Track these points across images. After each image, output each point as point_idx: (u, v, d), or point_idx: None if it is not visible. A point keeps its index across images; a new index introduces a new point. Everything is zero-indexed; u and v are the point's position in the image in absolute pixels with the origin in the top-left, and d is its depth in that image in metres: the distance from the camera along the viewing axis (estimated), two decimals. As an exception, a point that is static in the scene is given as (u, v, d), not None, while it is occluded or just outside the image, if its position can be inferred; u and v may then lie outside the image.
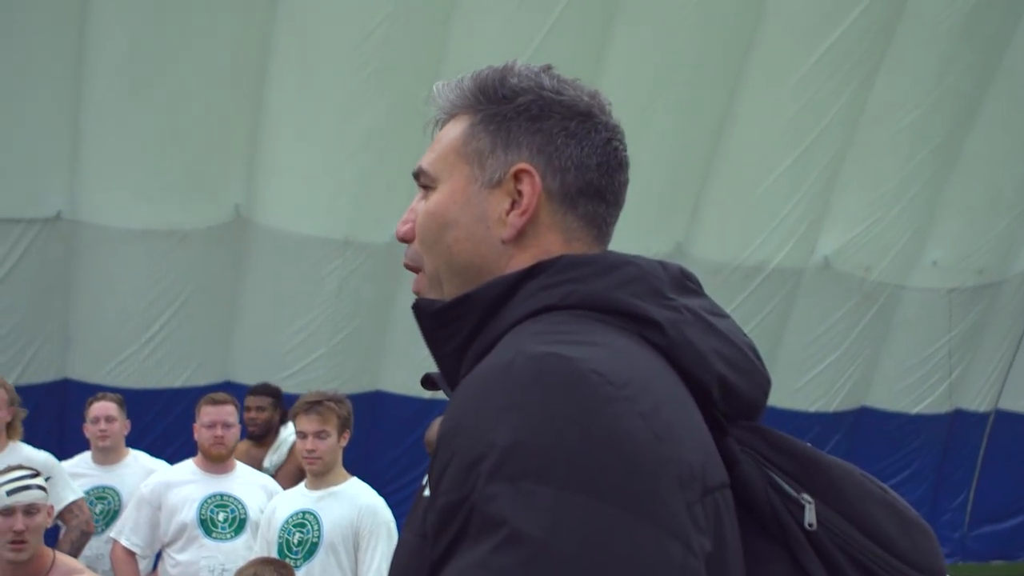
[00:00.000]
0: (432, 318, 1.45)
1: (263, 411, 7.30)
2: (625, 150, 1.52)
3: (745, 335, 1.49)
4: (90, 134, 8.20)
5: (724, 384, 1.40)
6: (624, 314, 1.37)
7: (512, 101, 1.47)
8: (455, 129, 1.51)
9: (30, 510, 4.54)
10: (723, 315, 1.48)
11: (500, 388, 1.26)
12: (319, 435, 5.22)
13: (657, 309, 1.38)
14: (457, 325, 1.43)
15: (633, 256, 1.45)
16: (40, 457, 5.83)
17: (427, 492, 1.34)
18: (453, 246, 1.47)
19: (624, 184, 1.52)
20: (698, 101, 9.24)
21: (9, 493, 4.56)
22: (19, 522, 4.49)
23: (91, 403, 6.47)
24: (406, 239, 1.54)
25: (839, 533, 1.38)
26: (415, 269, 1.53)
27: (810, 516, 1.37)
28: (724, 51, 9.24)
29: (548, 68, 1.51)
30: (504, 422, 1.23)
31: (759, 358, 1.48)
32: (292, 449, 7.51)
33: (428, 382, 1.57)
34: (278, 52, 8.38)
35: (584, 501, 1.19)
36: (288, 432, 7.51)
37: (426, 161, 1.53)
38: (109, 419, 6.35)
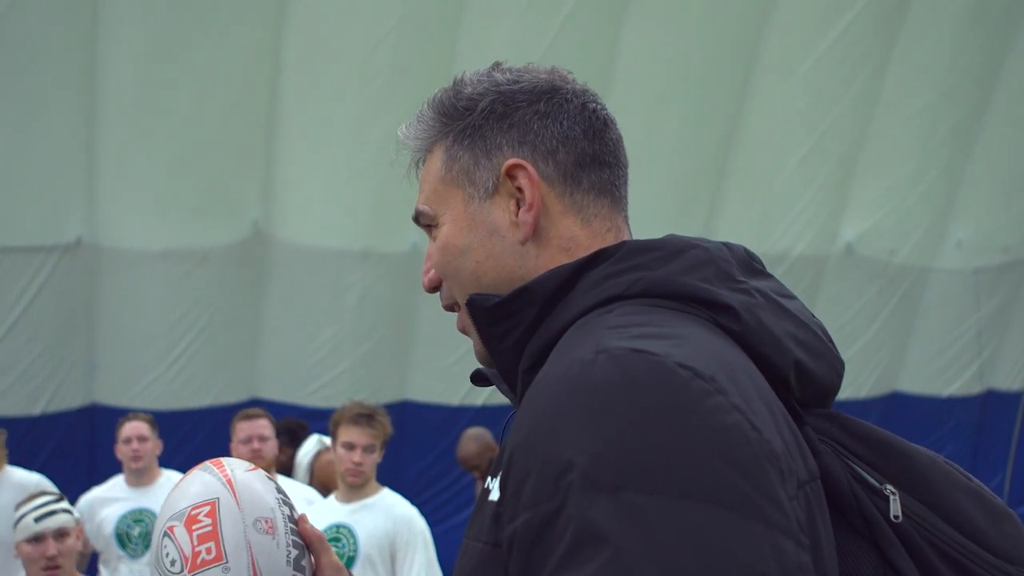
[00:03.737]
0: (488, 313, 1.39)
1: None
2: (604, 108, 1.46)
3: (814, 316, 1.43)
4: (105, 159, 8.21)
5: (799, 369, 1.34)
6: (695, 300, 1.32)
7: (474, 109, 1.43)
8: (435, 161, 1.47)
9: (60, 534, 4.50)
10: (792, 296, 1.42)
11: (583, 391, 1.19)
12: (368, 449, 5.16)
13: (729, 293, 1.33)
14: (515, 319, 1.37)
15: (698, 239, 1.39)
16: (33, 479, 5.84)
17: (492, 496, 1.27)
18: (476, 270, 1.42)
19: (618, 141, 1.46)
20: (711, 94, 9.20)
21: (37, 520, 4.52)
22: (51, 547, 4.46)
23: (122, 423, 6.45)
24: (433, 286, 1.49)
25: (926, 525, 1.32)
26: (453, 307, 1.48)
27: (895, 508, 1.31)
28: (734, 43, 9.19)
29: (498, 64, 1.47)
30: (592, 427, 1.16)
31: (831, 340, 1.42)
32: None
33: (479, 378, 1.50)
34: (288, 67, 8.38)
35: (689, 506, 1.13)
36: None
37: (420, 202, 1.48)
38: (141, 439, 6.32)
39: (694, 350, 1.23)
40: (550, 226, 1.41)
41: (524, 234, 1.41)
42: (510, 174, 1.41)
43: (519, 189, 1.41)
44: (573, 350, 1.26)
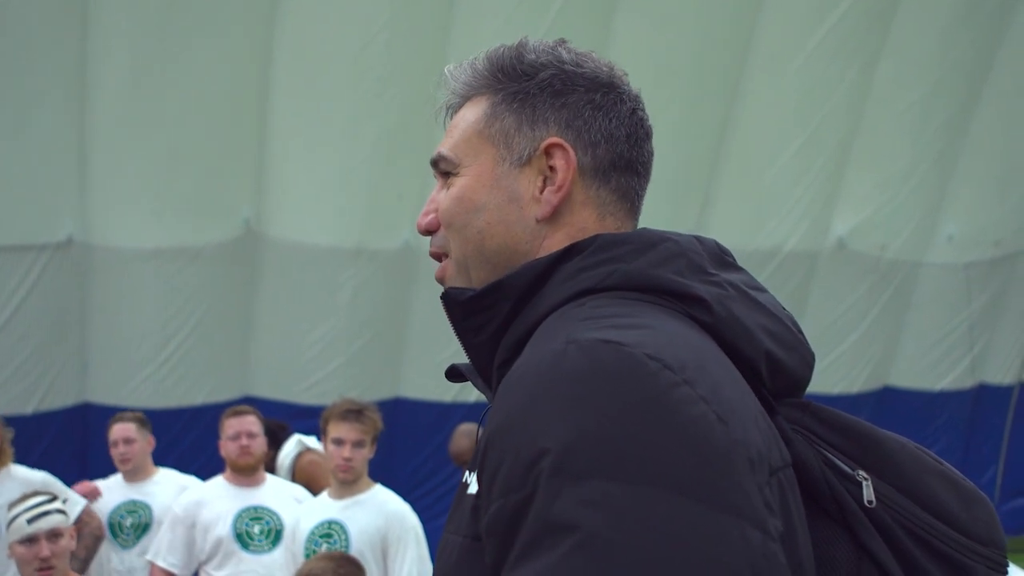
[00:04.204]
0: (462, 307, 1.39)
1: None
2: (648, 119, 1.48)
3: (785, 309, 1.45)
4: (96, 157, 8.20)
5: (771, 360, 1.36)
6: (668, 292, 1.33)
7: (533, 77, 1.43)
8: (474, 111, 1.46)
9: (53, 535, 4.50)
10: (762, 289, 1.43)
11: (553, 380, 1.20)
12: (357, 444, 5.17)
13: (701, 286, 1.34)
14: (489, 313, 1.37)
15: (669, 232, 1.40)
16: (38, 476, 5.85)
17: (471, 490, 1.28)
18: (485, 230, 1.42)
19: (651, 154, 1.47)
20: (703, 90, 9.20)
21: (30, 521, 4.51)
22: (44, 548, 4.45)
23: (111, 425, 6.46)
24: (430, 229, 1.48)
25: (898, 508, 1.33)
26: (441, 256, 1.48)
27: (868, 493, 1.33)
28: (726, 38, 9.20)
29: (563, 42, 1.47)
30: (562, 416, 1.17)
31: (801, 332, 1.44)
32: None
33: (454, 374, 1.50)
34: (280, 65, 8.37)
35: (658, 495, 1.14)
36: None
37: (445, 147, 1.47)
38: (128, 441, 6.33)
39: (665, 341, 1.24)
40: (567, 213, 1.42)
41: (543, 213, 1.41)
42: (548, 151, 1.41)
43: (552, 168, 1.41)
44: (545, 342, 1.26)
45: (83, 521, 5.81)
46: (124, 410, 7.02)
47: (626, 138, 1.43)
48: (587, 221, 1.41)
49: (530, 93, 1.43)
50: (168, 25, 8.06)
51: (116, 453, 6.34)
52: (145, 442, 6.41)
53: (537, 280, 1.36)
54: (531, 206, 1.41)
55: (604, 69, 1.45)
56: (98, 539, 5.91)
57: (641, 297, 1.32)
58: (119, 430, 6.37)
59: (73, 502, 5.81)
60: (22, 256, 8.17)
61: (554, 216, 1.41)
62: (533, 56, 1.44)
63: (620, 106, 1.44)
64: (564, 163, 1.41)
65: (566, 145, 1.41)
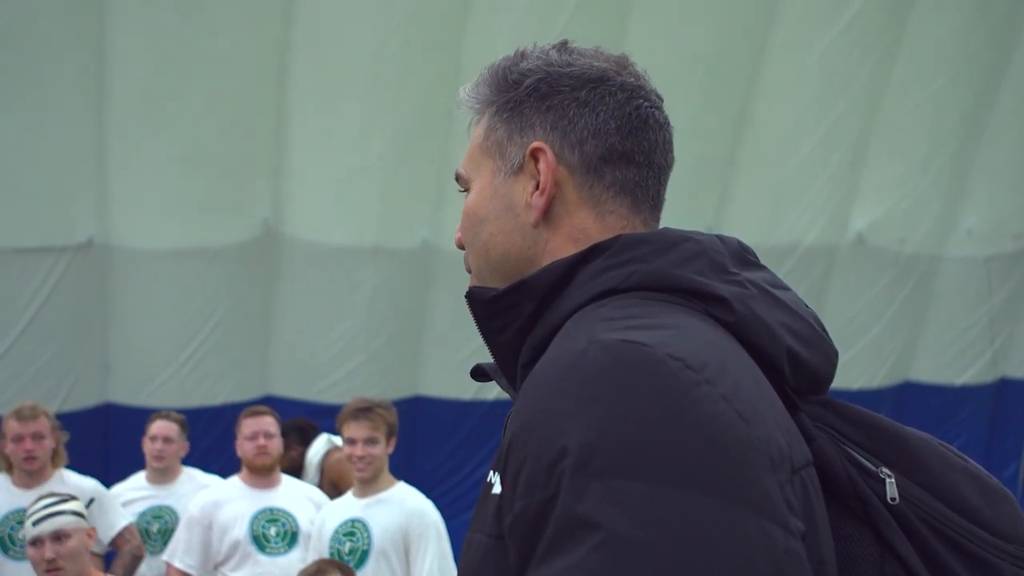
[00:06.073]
0: (486, 306, 1.41)
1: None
2: (652, 106, 1.46)
3: (808, 307, 1.45)
4: (115, 159, 8.23)
5: (793, 358, 1.36)
6: (689, 292, 1.33)
7: (521, 85, 1.44)
8: (480, 127, 1.49)
9: (59, 536, 4.50)
10: (785, 287, 1.44)
11: (575, 380, 1.21)
12: (369, 441, 5.20)
13: (722, 285, 1.34)
14: (513, 313, 1.38)
15: (691, 232, 1.40)
16: (88, 484, 5.83)
17: (495, 490, 1.29)
18: (488, 241, 1.45)
19: (659, 143, 1.45)
20: (720, 84, 9.18)
21: (35, 523, 4.52)
22: (48, 550, 4.45)
23: (153, 419, 6.48)
24: (460, 245, 1.51)
25: (922, 506, 1.33)
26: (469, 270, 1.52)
27: (891, 490, 1.32)
28: (743, 32, 9.17)
29: (563, 44, 1.47)
30: (583, 416, 1.18)
31: (824, 329, 1.44)
32: None
33: (479, 373, 1.52)
34: (297, 64, 8.39)
35: (679, 494, 1.15)
36: None
37: (461, 165, 1.51)
38: (167, 440, 6.37)
39: (685, 340, 1.24)
40: (563, 214, 1.42)
41: (534, 218, 1.42)
42: (534, 155, 1.43)
43: (539, 171, 1.43)
44: (567, 341, 1.28)
45: (124, 539, 5.82)
46: (146, 411, 7.04)
47: (616, 130, 1.42)
48: (585, 220, 1.42)
49: (518, 100, 1.44)
50: (184, 26, 8.08)
51: (153, 449, 6.35)
52: (180, 446, 6.45)
53: (560, 280, 1.37)
54: (526, 212, 1.43)
55: (597, 64, 1.45)
56: (137, 559, 5.87)
57: (663, 297, 1.32)
58: (161, 427, 6.39)
59: (116, 514, 5.83)
60: (43, 258, 8.21)
61: (549, 219, 1.42)
62: (524, 63, 1.45)
63: (608, 99, 1.43)
64: (545, 166, 1.42)
65: (545, 147, 1.41)
